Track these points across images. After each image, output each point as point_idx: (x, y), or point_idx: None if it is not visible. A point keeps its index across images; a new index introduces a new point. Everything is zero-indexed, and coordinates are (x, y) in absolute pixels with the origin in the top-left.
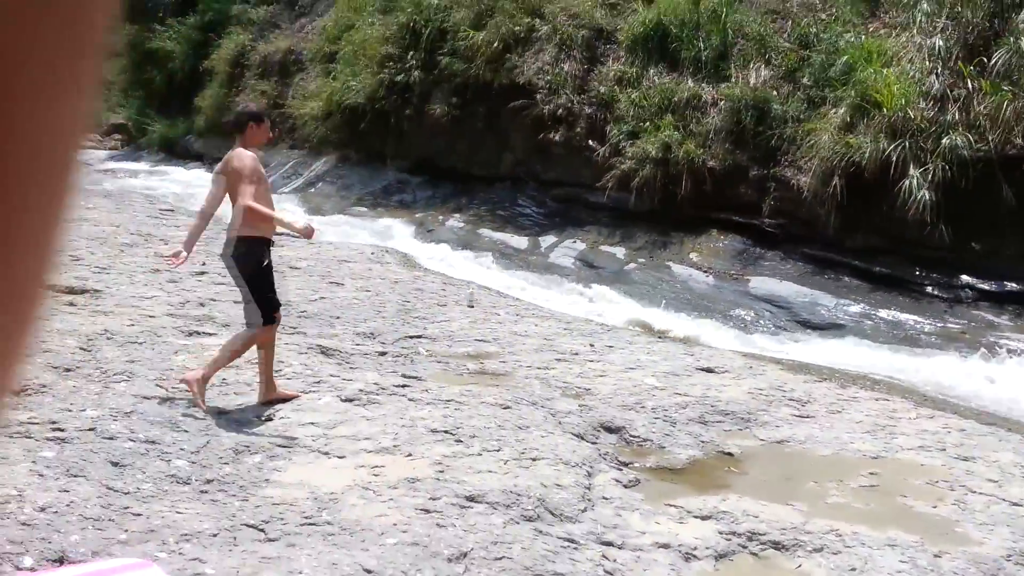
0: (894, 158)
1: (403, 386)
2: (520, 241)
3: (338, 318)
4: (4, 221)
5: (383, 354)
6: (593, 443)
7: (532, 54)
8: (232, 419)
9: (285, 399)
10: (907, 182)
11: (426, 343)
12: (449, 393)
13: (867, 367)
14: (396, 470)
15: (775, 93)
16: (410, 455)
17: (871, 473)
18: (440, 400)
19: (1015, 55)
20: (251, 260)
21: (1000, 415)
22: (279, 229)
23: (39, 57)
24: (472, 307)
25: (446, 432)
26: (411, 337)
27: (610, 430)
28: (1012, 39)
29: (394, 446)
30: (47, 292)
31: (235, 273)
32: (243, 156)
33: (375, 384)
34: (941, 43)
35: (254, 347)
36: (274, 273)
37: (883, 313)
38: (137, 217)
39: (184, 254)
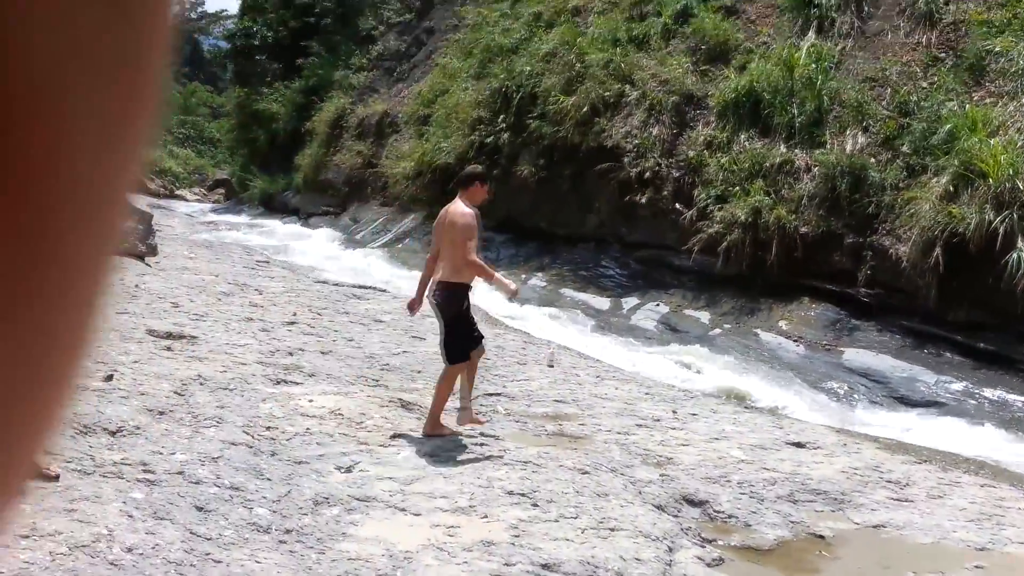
0: (1000, 229)
1: (481, 444)
2: (602, 302)
3: (420, 372)
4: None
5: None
6: (675, 516)
7: (621, 118)
8: (312, 469)
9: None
10: (1015, 255)
11: (505, 401)
12: (527, 455)
13: (971, 450)
14: (471, 532)
15: (872, 160)
16: (486, 517)
17: (976, 567)
18: (518, 461)
19: None
20: (454, 304)
21: None
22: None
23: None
24: (552, 367)
25: (523, 495)
26: (490, 395)
27: (693, 503)
28: None
29: (470, 506)
30: (74, 384)
31: (437, 315)
32: (464, 212)
33: (452, 442)
34: None
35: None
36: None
37: (988, 392)
38: (235, 268)
39: (416, 301)
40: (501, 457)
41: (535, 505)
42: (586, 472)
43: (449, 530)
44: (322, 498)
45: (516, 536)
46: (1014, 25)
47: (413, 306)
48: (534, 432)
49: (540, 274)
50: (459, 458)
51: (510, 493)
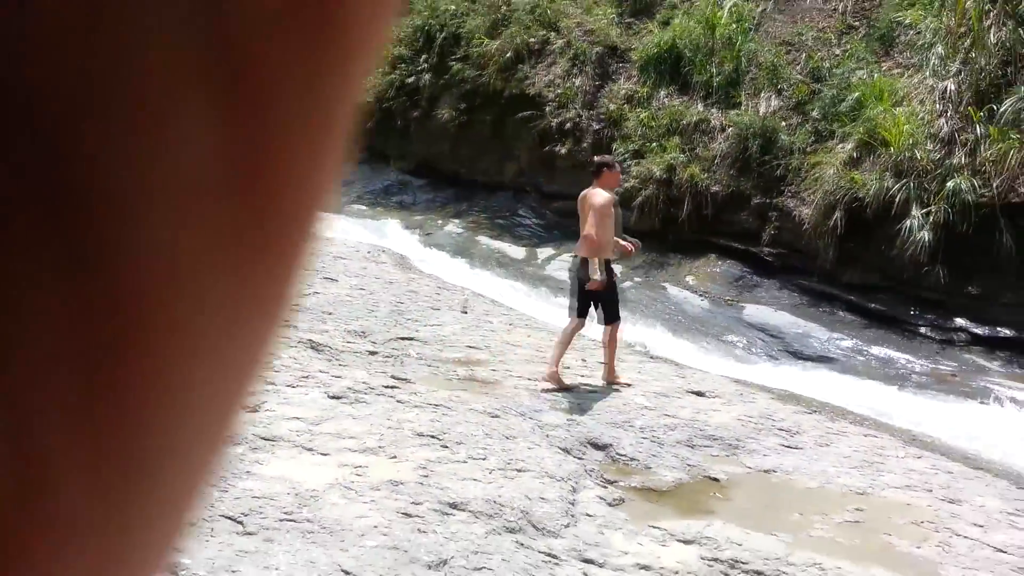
0: (897, 197)
1: (391, 387)
2: (517, 251)
3: (330, 314)
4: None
5: (373, 353)
6: (579, 459)
7: (544, 66)
8: None
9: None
10: (908, 222)
11: (417, 345)
12: (437, 397)
13: (856, 402)
14: (379, 471)
15: (783, 123)
16: (394, 457)
17: (856, 509)
18: (428, 404)
19: None
20: (586, 276)
21: (987, 460)
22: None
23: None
24: (465, 313)
25: (432, 436)
26: (402, 339)
27: (597, 447)
28: (1022, 88)
29: (379, 447)
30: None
31: (574, 287)
32: (600, 194)
33: (363, 383)
34: (952, 87)
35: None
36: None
37: (875, 350)
38: None
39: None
40: (411, 400)
41: (444, 446)
42: (495, 416)
43: (357, 469)
44: None
45: (424, 476)
46: None
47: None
48: (445, 376)
49: (457, 220)
50: (369, 400)
51: (419, 435)
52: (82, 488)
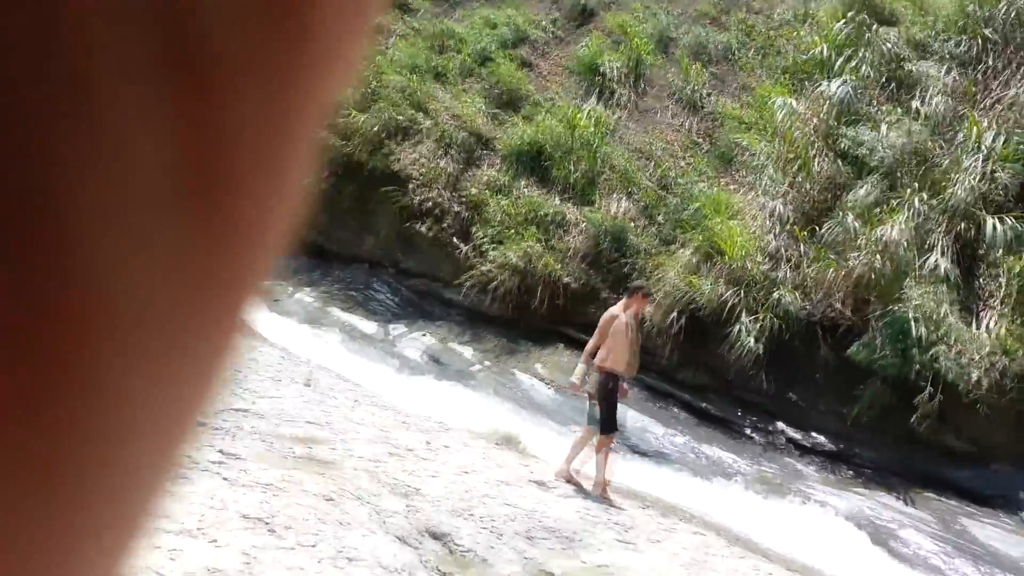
0: (730, 303)
1: (219, 463)
2: (370, 326)
3: None
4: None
5: (201, 424)
6: (416, 548)
7: (411, 145)
8: None
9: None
10: (737, 327)
11: (252, 418)
12: (269, 477)
13: (687, 499)
14: (196, 557)
15: (633, 225)
16: (215, 541)
17: None
18: (258, 483)
19: (842, 229)
20: (604, 385)
21: (801, 563)
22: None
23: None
24: (309, 386)
25: (259, 520)
26: (237, 410)
27: (435, 536)
28: (841, 214)
29: (198, 529)
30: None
31: (591, 392)
32: (616, 315)
33: (186, 456)
34: (781, 207)
35: None
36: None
37: (706, 448)
38: None
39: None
40: (239, 479)
41: (272, 531)
42: (331, 499)
43: (171, 553)
44: None
45: (247, 563)
46: (759, 125)
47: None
48: (281, 454)
49: (308, 289)
50: (191, 476)
51: (245, 517)
52: None
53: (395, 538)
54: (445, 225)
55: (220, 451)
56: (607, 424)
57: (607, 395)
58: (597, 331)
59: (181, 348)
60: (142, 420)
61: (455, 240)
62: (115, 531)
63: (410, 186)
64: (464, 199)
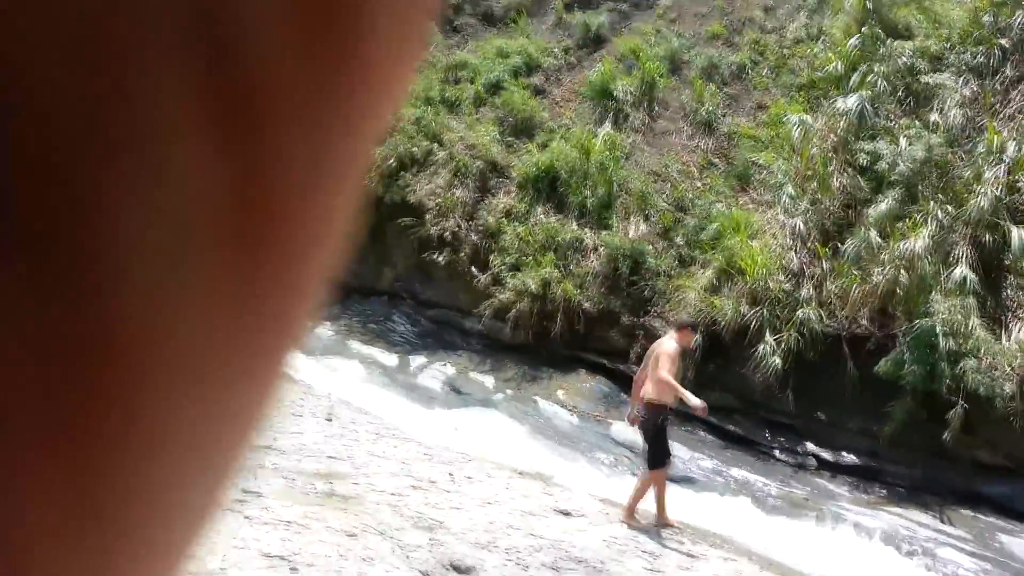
0: (752, 324)
1: (240, 501)
2: (390, 358)
3: None
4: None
5: (246, 461)
6: None
7: (426, 176)
8: None
9: (667, 524)
10: (761, 347)
11: (274, 455)
12: (291, 514)
13: (717, 524)
14: None
15: (651, 247)
16: None
17: None
18: (280, 521)
19: (864, 244)
20: (652, 420)
21: None
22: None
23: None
24: (330, 421)
25: (281, 558)
26: (258, 447)
27: (460, 570)
28: (862, 230)
29: (220, 569)
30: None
31: (641, 428)
32: (671, 345)
33: (229, 495)
34: (801, 224)
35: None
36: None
37: (734, 472)
38: None
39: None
40: (261, 516)
41: (294, 569)
42: (353, 535)
43: None
44: None
45: None
46: (775, 143)
47: (632, 419)
48: (302, 490)
49: (328, 324)
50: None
51: (267, 555)
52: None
53: (419, 573)
54: (462, 255)
55: (242, 489)
56: (659, 458)
57: (660, 428)
58: (663, 360)
59: (225, 385)
60: (185, 456)
61: (473, 269)
62: (156, 567)
63: (427, 217)
64: (481, 228)
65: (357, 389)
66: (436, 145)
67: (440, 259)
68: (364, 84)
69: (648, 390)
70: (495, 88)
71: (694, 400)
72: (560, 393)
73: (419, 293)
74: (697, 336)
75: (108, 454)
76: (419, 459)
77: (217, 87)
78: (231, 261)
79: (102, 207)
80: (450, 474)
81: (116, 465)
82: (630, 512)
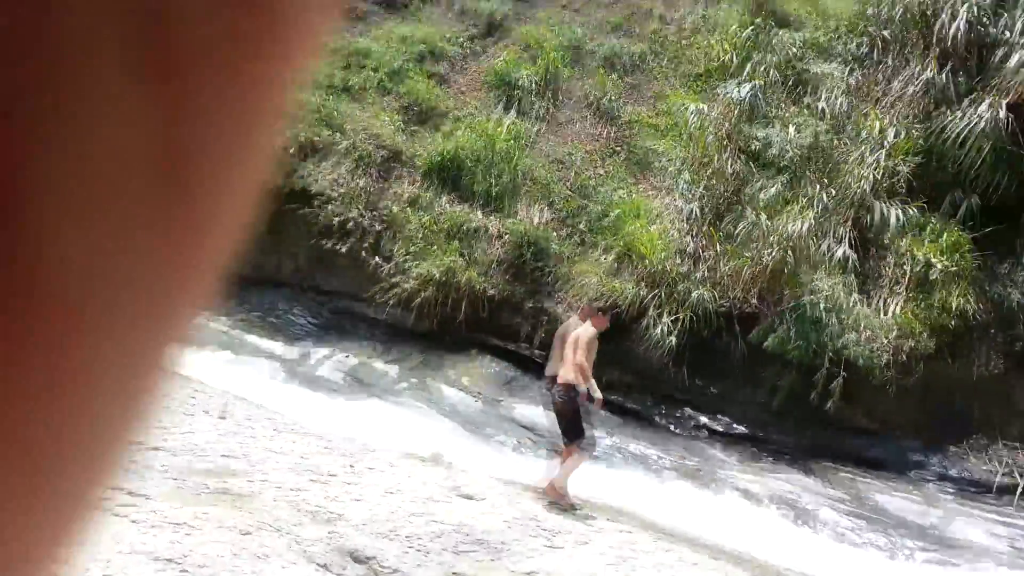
0: (650, 305)
1: (126, 505)
2: (290, 351)
3: None
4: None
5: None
6: (339, 575)
7: (328, 165)
8: None
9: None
10: (659, 328)
11: (163, 456)
12: (181, 515)
13: (615, 499)
14: None
15: (554, 234)
16: None
17: None
18: (169, 522)
19: (754, 227)
20: (570, 401)
21: (726, 550)
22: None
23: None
24: (224, 418)
25: (170, 560)
26: (145, 448)
27: (359, 560)
28: (753, 213)
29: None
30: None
31: (557, 410)
32: (587, 331)
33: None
34: (696, 209)
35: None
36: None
37: (632, 447)
38: None
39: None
40: (148, 520)
41: (184, 571)
42: (248, 533)
43: None
44: None
45: None
46: (674, 131)
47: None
48: (193, 490)
49: (224, 318)
50: (98, 521)
51: (156, 559)
52: None
53: (317, 566)
54: (365, 244)
55: (128, 492)
56: (574, 433)
57: (571, 411)
58: (579, 346)
59: (142, 330)
60: (100, 396)
61: (376, 259)
62: (66, 503)
63: (328, 207)
64: (384, 217)
65: (254, 385)
66: (338, 134)
67: (343, 249)
68: (278, 33)
69: (565, 373)
70: (398, 76)
71: (598, 394)
72: (465, 379)
73: (321, 284)
74: (607, 321)
75: (24, 376)
76: (319, 453)
77: (138, 32)
78: (152, 198)
79: (26, 163)
80: (351, 466)
81: (27, 391)
82: (556, 490)
